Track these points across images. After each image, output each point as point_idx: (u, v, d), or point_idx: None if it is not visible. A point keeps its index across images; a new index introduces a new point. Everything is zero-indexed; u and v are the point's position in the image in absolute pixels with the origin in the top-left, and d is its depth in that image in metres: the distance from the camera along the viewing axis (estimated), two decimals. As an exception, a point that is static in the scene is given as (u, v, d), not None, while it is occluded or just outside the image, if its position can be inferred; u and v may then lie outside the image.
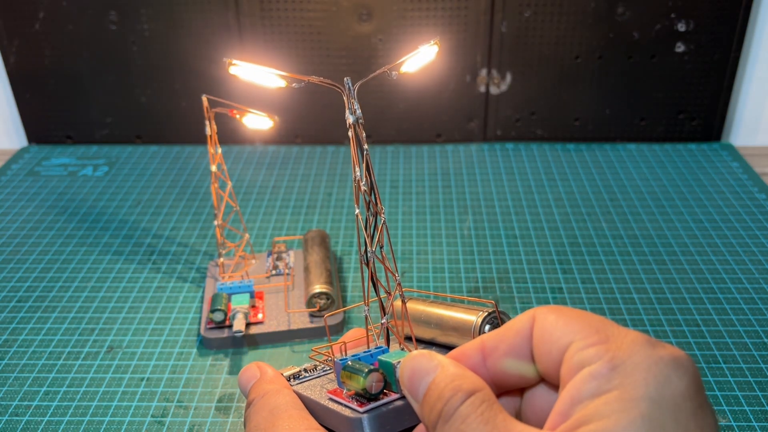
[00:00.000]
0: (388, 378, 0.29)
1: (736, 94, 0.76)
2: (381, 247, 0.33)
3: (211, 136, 0.50)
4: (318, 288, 0.49)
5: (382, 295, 0.33)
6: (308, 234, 0.57)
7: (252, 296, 0.51)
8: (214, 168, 0.51)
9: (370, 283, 0.33)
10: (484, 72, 0.74)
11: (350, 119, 0.32)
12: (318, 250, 0.54)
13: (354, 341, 0.35)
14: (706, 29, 0.71)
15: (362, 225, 0.32)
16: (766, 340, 0.48)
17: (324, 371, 0.34)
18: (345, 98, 0.32)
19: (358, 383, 0.29)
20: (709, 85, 0.74)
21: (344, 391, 0.31)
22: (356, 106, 0.32)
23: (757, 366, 0.46)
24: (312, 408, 0.31)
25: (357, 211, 0.32)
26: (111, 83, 0.76)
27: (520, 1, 0.71)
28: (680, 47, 0.72)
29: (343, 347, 0.33)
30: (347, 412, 0.29)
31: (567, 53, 0.73)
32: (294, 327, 0.49)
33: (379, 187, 0.70)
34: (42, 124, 0.79)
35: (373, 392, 0.29)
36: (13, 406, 0.44)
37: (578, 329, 0.24)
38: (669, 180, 0.70)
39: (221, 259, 0.54)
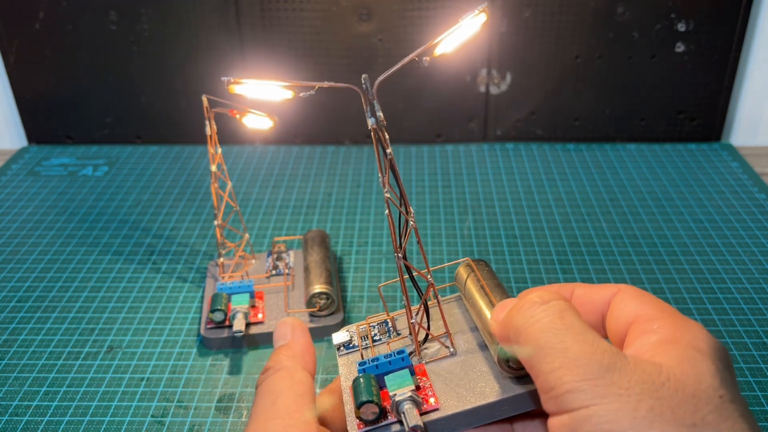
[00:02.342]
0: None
1: (736, 94, 0.76)
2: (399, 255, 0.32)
3: (211, 136, 0.50)
4: (318, 288, 0.49)
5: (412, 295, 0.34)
6: (308, 234, 0.57)
7: (252, 296, 0.51)
8: (214, 168, 0.51)
9: (404, 287, 0.33)
10: (484, 72, 0.74)
11: (370, 122, 0.29)
12: (318, 250, 0.54)
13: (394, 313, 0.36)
14: (706, 29, 0.71)
15: (392, 227, 0.31)
16: (766, 340, 0.48)
17: (374, 340, 0.34)
18: (363, 100, 0.29)
19: (354, 404, 0.30)
20: (709, 85, 0.74)
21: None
22: (377, 107, 0.29)
23: (757, 366, 0.46)
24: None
25: (387, 211, 0.31)
26: (111, 83, 0.76)
27: (520, 1, 0.71)
28: (680, 47, 0.72)
29: (391, 321, 0.34)
30: (348, 427, 0.30)
31: (567, 53, 0.73)
32: (294, 327, 0.49)
33: (379, 186, 0.70)
34: (42, 124, 0.79)
35: (368, 419, 0.29)
36: (13, 406, 0.44)
37: (650, 307, 0.27)
38: (669, 180, 0.70)
39: (221, 259, 0.54)
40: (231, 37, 0.73)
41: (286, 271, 0.54)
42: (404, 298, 0.33)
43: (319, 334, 0.50)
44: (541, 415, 0.31)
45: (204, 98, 0.49)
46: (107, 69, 0.75)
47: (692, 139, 0.77)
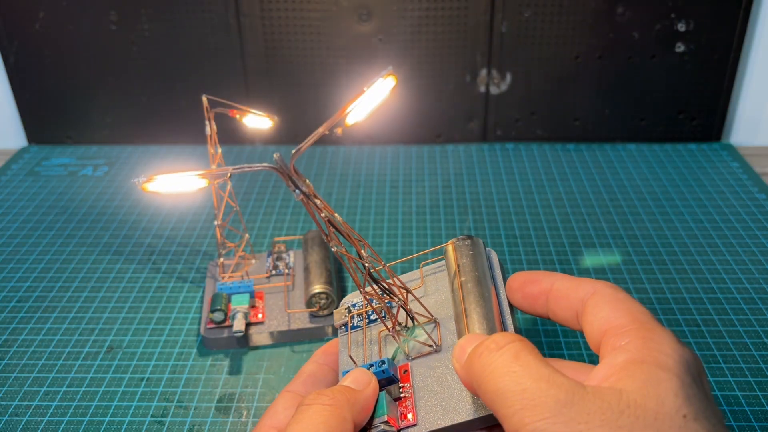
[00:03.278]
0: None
1: (736, 94, 0.76)
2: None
3: (211, 136, 0.50)
4: (318, 288, 0.49)
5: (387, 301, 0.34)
6: (308, 234, 0.57)
7: (252, 296, 0.51)
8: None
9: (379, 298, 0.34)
10: (484, 72, 0.74)
11: (296, 195, 0.28)
12: (318, 250, 0.54)
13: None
14: (706, 29, 0.71)
15: (352, 272, 0.32)
16: (766, 340, 0.48)
17: (379, 314, 0.35)
18: (282, 177, 0.28)
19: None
20: (709, 85, 0.74)
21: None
22: (299, 182, 0.28)
23: (757, 366, 0.46)
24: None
25: (349, 262, 0.31)
26: (111, 83, 0.76)
27: (520, 1, 0.70)
28: (680, 47, 0.72)
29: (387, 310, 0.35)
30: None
31: (567, 53, 0.73)
32: (294, 327, 0.49)
33: (379, 187, 0.70)
34: (42, 124, 0.79)
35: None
36: (13, 406, 0.44)
37: (622, 315, 0.27)
38: (669, 180, 0.70)
39: (221, 259, 0.54)
40: (231, 37, 0.73)
41: (286, 271, 0.54)
42: (385, 313, 0.34)
43: (319, 334, 0.50)
44: None
45: (204, 98, 0.49)
46: (107, 69, 0.75)
47: (692, 139, 0.77)
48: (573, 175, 0.71)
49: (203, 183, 0.29)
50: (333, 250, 0.30)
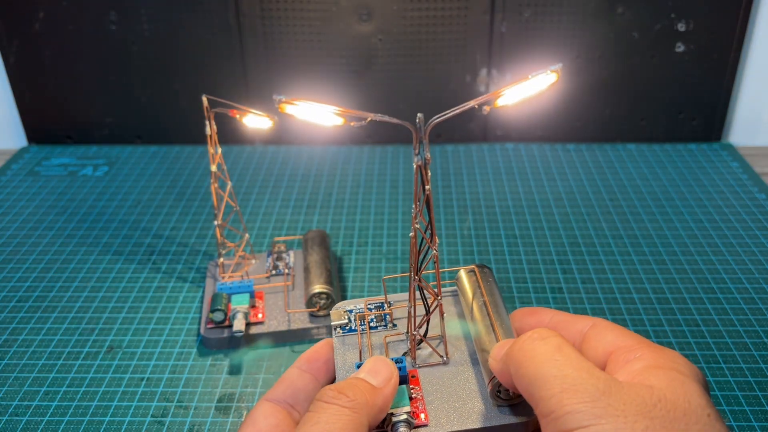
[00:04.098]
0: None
1: (736, 94, 0.76)
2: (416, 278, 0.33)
3: (211, 136, 0.50)
4: (318, 288, 0.49)
5: (420, 311, 0.34)
6: (308, 234, 0.57)
7: (252, 296, 0.51)
8: (214, 168, 0.51)
9: (414, 300, 0.33)
10: (484, 72, 0.74)
11: (417, 161, 0.29)
12: (318, 250, 0.54)
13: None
14: (706, 29, 0.71)
15: (414, 249, 0.32)
16: (766, 340, 0.48)
17: (372, 325, 0.35)
18: (414, 139, 0.29)
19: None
20: (709, 85, 0.74)
21: None
22: (427, 148, 0.29)
23: (757, 366, 0.46)
24: None
25: (412, 233, 0.31)
26: (111, 83, 0.76)
27: (520, 1, 0.70)
28: (680, 47, 0.72)
29: (390, 314, 0.35)
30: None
31: (567, 53, 0.73)
32: (294, 327, 0.49)
33: (379, 186, 0.70)
34: (42, 124, 0.79)
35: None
36: (13, 406, 0.44)
37: (628, 338, 0.29)
38: (669, 180, 0.70)
39: (221, 259, 0.54)
40: (231, 37, 0.73)
41: (286, 271, 0.54)
42: (411, 305, 0.33)
43: (319, 334, 0.50)
44: None
45: (204, 98, 0.49)
46: (107, 69, 0.75)
47: (692, 139, 0.77)
48: (573, 175, 0.71)
49: (339, 121, 0.29)
50: (415, 227, 0.31)
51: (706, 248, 0.59)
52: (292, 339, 0.49)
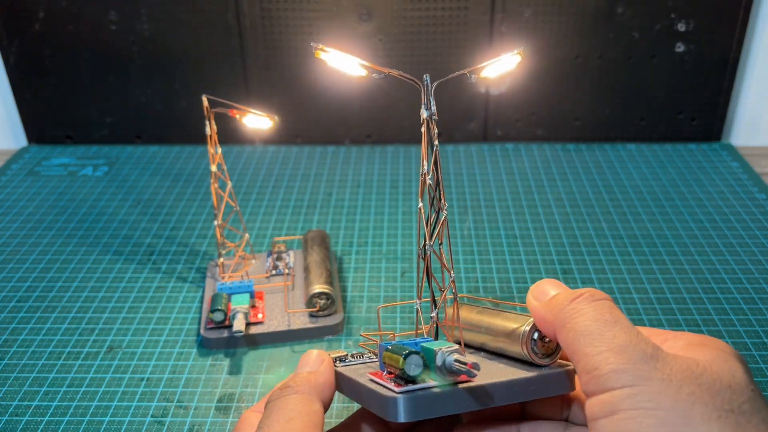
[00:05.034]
0: (428, 363, 0.29)
1: (736, 94, 0.76)
2: (440, 244, 0.33)
3: (211, 136, 0.50)
4: (318, 288, 0.49)
5: (436, 293, 0.33)
6: (308, 234, 0.57)
7: (252, 296, 0.51)
8: (214, 168, 0.51)
9: (425, 278, 0.33)
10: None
11: (424, 114, 0.33)
12: (318, 250, 0.54)
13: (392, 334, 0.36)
14: (706, 29, 0.71)
15: (423, 219, 0.32)
16: (766, 340, 0.48)
17: (370, 359, 0.34)
18: (423, 94, 0.32)
19: (397, 363, 0.29)
20: (709, 85, 0.74)
21: (384, 373, 0.31)
22: (432, 102, 0.32)
23: (757, 366, 0.46)
24: (352, 389, 0.31)
25: (420, 204, 0.32)
26: (111, 83, 0.76)
27: (520, 1, 0.70)
28: (680, 47, 0.72)
29: (392, 337, 0.35)
30: (384, 391, 0.29)
31: (567, 53, 0.73)
32: (294, 327, 0.49)
33: (379, 186, 0.70)
34: (42, 124, 0.79)
35: (411, 374, 0.29)
36: (13, 406, 0.44)
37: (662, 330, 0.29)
38: (669, 180, 0.70)
39: (221, 259, 0.54)
40: (231, 37, 0.73)
41: (286, 271, 0.54)
42: (420, 288, 0.33)
43: (319, 334, 0.50)
44: (551, 417, 0.32)
45: (204, 98, 0.49)
46: (107, 69, 0.75)
47: (692, 139, 0.77)
48: (573, 175, 0.71)
49: (363, 72, 0.34)
50: (428, 177, 0.33)
51: (706, 248, 0.59)
52: (292, 339, 0.49)
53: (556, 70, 0.74)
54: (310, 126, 0.78)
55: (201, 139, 0.78)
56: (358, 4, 0.71)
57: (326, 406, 0.31)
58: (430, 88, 0.33)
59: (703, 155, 0.75)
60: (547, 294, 0.30)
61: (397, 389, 0.29)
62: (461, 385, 0.29)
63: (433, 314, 0.33)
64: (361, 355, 0.35)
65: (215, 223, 0.53)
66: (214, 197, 0.52)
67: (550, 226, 0.63)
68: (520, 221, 0.63)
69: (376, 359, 0.34)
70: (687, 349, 0.26)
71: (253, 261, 0.56)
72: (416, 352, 0.29)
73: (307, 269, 0.53)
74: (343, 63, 0.34)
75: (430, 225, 0.33)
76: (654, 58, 0.73)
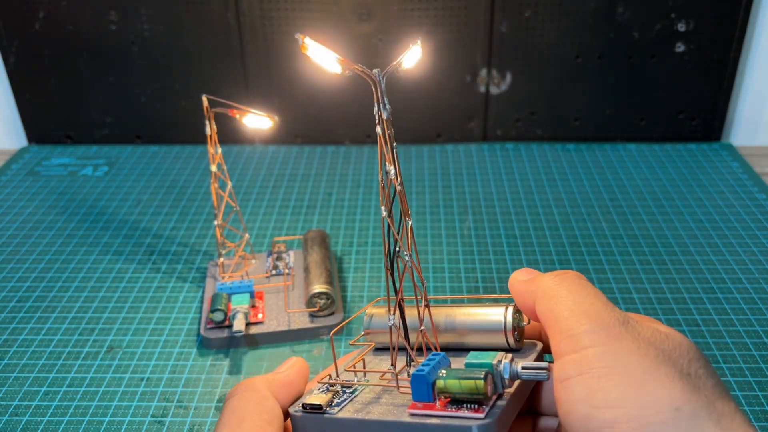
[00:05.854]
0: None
1: (736, 94, 0.76)
2: (408, 254, 0.31)
3: (211, 136, 0.50)
4: (318, 288, 0.49)
5: (407, 301, 0.32)
6: (308, 234, 0.57)
7: (252, 296, 0.51)
8: (214, 168, 0.51)
9: (394, 289, 0.31)
10: (484, 72, 0.74)
11: (384, 114, 0.31)
12: (318, 250, 0.54)
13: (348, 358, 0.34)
14: (706, 29, 0.71)
15: (392, 228, 0.30)
16: (766, 340, 0.48)
17: (351, 390, 0.31)
18: (376, 90, 0.31)
19: (476, 387, 0.27)
20: (709, 85, 0.74)
21: (436, 403, 0.28)
22: (383, 99, 0.31)
23: (757, 366, 0.46)
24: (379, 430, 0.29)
25: (384, 214, 0.30)
26: (111, 83, 0.76)
27: (520, 1, 0.70)
28: (680, 47, 0.72)
29: (352, 366, 0.32)
30: (469, 422, 0.27)
31: (567, 53, 0.73)
32: (294, 327, 0.49)
33: (378, 186, 0.70)
34: (42, 124, 0.79)
35: (489, 394, 0.27)
36: (13, 406, 0.44)
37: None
38: (669, 180, 0.70)
39: (221, 259, 0.54)
40: (231, 37, 0.73)
41: (286, 271, 0.54)
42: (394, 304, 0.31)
43: (319, 334, 0.50)
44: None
45: (204, 98, 0.49)
46: (107, 69, 0.75)
47: (692, 139, 0.77)
48: (573, 175, 0.71)
49: (338, 69, 0.32)
50: (383, 214, 0.30)
51: (706, 248, 0.59)
52: (292, 339, 0.49)
53: (556, 70, 0.74)
54: (310, 126, 0.78)
55: (201, 139, 0.78)
56: (358, 4, 0.71)
57: (285, 404, 0.31)
58: (382, 85, 0.31)
59: (703, 155, 0.75)
60: (529, 274, 0.31)
61: (480, 415, 0.27)
62: (506, 390, 0.28)
63: (422, 328, 0.31)
64: (336, 390, 0.32)
65: (215, 223, 0.53)
66: (214, 197, 0.52)
67: (550, 226, 0.63)
68: (520, 221, 0.63)
69: (359, 390, 0.31)
70: (649, 321, 0.28)
71: (253, 261, 0.56)
72: (489, 372, 0.28)
73: (307, 269, 0.53)
74: (323, 57, 0.34)
75: (405, 234, 0.31)
76: (654, 58, 0.73)
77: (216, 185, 0.52)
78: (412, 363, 0.32)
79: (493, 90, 0.76)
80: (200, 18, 0.72)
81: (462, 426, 0.27)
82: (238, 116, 0.49)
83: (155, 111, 0.78)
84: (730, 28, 0.71)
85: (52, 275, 0.57)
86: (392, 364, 0.32)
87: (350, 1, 0.71)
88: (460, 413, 0.27)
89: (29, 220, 0.65)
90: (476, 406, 0.27)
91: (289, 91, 0.76)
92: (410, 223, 0.31)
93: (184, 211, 0.66)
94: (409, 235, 0.31)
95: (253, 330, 0.49)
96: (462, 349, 0.33)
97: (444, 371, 0.28)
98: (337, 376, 0.32)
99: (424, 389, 0.28)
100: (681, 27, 0.71)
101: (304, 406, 0.30)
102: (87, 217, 0.65)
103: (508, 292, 0.32)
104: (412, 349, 0.32)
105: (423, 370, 0.28)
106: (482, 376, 0.27)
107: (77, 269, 0.58)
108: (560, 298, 0.28)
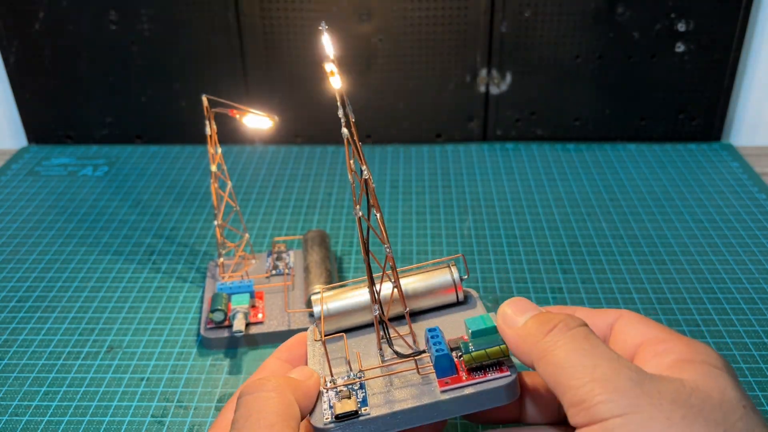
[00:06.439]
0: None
1: (736, 94, 0.76)
2: (387, 248, 0.34)
3: (211, 136, 0.50)
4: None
5: (376, 280, 0.34)
6: (308, 234, 0.57)
7: (252, 296, 0.51)
8: (214, 168, 0.51)
9: (369, 272, 0.34)
10: (484, 72, 0.74)
11: (351, 117, 0.31)
12: (318, 250, 0.54)
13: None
14: (706, 29, 0.71)
15: (367, 221, 0.33)
16: (766, 340, 0.48)
17: (359, 386, 0.32)
18: (339, 101, 0.31)
19: (502, 351, 0.30)
20: (709, 85, 0.74)
21: (462, 374, 0.30)
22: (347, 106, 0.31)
23: (757, 366, 0.46)
24: (423, 414, 0.30)
25: (360, 213, 0.33)
26: (111, 83, 0.76)
27: (520, 1, 0.70)
28: (680, 47, 0.72)
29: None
30: (502, 381, 0.30)
31: (567, 53, 0.73)
32: (294, 327, 0.49)
33: (378, 186, 0.70)
34: (42, 124, 0.79)
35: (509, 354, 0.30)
36: (13, 406, 0.44)
37: (657, 330, 0.29)
38: (669, 180, 0.70)
39: (221, 259, 0.54)
40: (231, 37, 0.73)
41: (286, 271, 0.54)
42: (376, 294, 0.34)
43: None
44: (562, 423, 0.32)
45: (204, 98, 0.49)
46: (107, 69, 0.75)
47: (692, 139, 0.77)
48: (573, 175, 0.71)
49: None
50: (356, 214, 0.32)
51: (706, 248, 0.59)
52: (292, 339, 0.49)
53: (556, 70, 0.74)
54: (310, 126, 0.78)
55: (201, 139, 0.78)
56: (358, 4, 0.71)
57: (304, 414, 0.30)
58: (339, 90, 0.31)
59: (703, 155, 0.75)
60: (517, 322, 0.29)
61: (506, 374, 0.30)
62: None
63: (376, 309, 0.33)
64: (332, 384, 0.32)
65: (215, 223, 0.53)
66: (214, 197, 0.52)
67: (550, 226, 0.63)
68: (520, 221, 0.63)
69: (365, 383, 0.32)
70: (674, 366, 0.25)
71: (253, 261, 0.56)
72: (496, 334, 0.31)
73: (307, 269, 0.53)
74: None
75: (384, 232, 0.33)
76: (654, 58, 0.73)
77: (216, 185, 0.52)
78: (393, 338, 0.34)
79: (493, 90, 0.76)
80: (200, 18, 0.72)
81: (496, 387, 0.29)
82: (238, 116, 0.49)
83: (155, 111, 0.78)
84: (730, 28, 0.71)
85: (52, 275, 0.57)
86: (392, 351, 0.34)
87: (350, 1, 0.71)
88: (489, 377, 0.30)
89: (29, 220, 0.65)
90: (497, 366, 0.30)
91: (289, 91, 0.76)
92: (379, 215, 0.33)
93: (184, 211, 0.66)
94: (380, 224, 0.34)
95: (253, 330, 0.49)
96: (418, 313, 0.36)
97: (464, 344, 0.31)
98: (332, 376, 0.33)
99: (447, 365, 0.30)
100: (681, 27, 0.71)
101: (338, 417, 0.30)
102: (87, 217, 0.65)
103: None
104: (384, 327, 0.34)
105: (442, 350, 0.31)
106: (502, 341, 0.30)
107: (77, 269, 0.58)
108: (562, 364, 0.26)
